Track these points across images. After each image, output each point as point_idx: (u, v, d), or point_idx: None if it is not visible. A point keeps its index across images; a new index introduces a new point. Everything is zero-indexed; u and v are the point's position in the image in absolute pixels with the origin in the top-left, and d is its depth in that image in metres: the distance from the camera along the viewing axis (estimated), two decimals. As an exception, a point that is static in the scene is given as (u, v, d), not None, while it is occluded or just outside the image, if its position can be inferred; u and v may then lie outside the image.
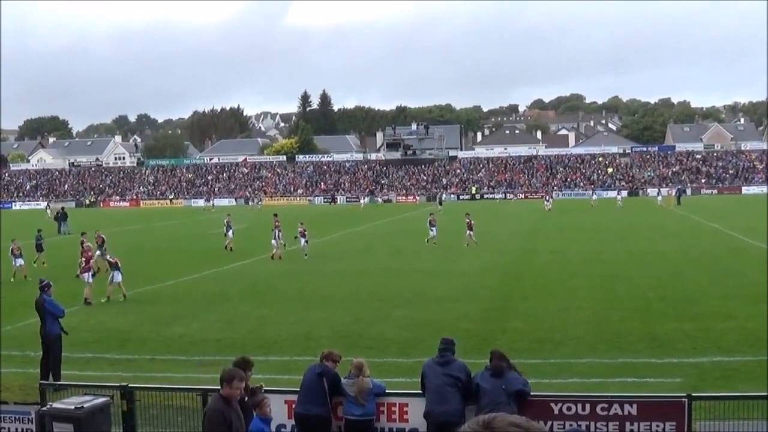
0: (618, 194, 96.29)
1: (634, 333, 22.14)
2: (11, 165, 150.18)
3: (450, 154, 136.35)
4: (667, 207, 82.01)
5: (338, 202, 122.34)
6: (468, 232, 46.81)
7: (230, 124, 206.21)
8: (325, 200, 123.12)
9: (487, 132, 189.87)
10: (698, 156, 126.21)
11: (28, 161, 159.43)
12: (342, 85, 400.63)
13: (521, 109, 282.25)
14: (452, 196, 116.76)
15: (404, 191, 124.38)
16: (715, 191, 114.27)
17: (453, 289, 30.86)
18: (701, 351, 19.85)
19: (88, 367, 19.71)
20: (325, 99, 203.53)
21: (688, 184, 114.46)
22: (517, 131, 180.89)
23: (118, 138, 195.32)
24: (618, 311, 25.59)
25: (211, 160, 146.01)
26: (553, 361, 19.24)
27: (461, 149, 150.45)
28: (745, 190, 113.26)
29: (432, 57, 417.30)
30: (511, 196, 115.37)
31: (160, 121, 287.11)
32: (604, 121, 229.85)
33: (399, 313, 26.18)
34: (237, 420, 9.77)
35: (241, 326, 24.71)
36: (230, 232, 47.56)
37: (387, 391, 12.69)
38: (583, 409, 11.82)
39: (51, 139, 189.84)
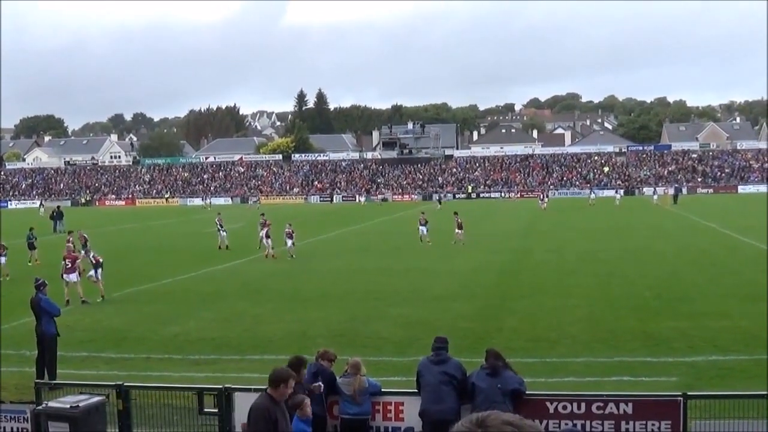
0: (616, 193, 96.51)
1: (630, 332, 22.14)
2: (7, 164, 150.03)
3: (446, 153, 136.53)
4: (663, 206, 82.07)
5: (335, 201, 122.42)
6: (456, 230, 46.88)
7: (226, 123, 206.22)
8: (322, 199, 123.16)
9: (483, 131, 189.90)
10: (694, 155, 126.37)
11: (24, 160, 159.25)
12: (339, 84, 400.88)
13: (517, 108, 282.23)
14: (449, 195, 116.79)
15: (400, 190, 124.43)
16: (711, 190, 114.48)
17: (449, 288, 30.85)
18: (697, 350, 19.86)
19: (83, 365, 19.70)
20: (321, 98, 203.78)
21: (684, 183, 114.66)
22: (513, 130, 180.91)
23: (113, 137, 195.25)
24: (614, 310, 25.60)
25: (207, 159, 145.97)
26: (548, 360, 19.24)
27: (457, 148, 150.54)
28: (741, 189, 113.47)
29: (428, 56, 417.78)
30: (514, 195, 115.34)
31: (156, 119, 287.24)
32: (600, 120, 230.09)
33: (395, 311, 26.16)
34: (283, 419, 9.79)
35: (237, 325, 24.68)
36: (223, 231, 47.63)
37: (382, 390, 12.69)
38: (579, 408, 11.82)
39: (47, 138, 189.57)
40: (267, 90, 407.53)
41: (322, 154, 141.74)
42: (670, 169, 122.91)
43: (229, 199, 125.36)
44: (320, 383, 12.06)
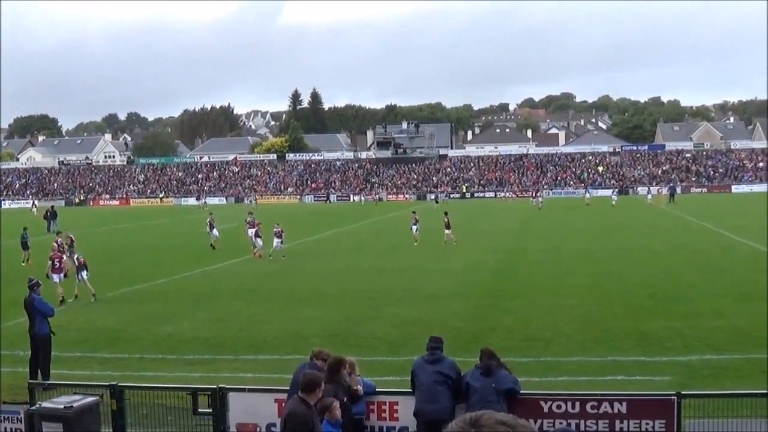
0: (613, 193, 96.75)
1: (624, 331, 22.16)
2: (0, 163, 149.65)
3: (440, 153, 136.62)
4: (658, 206, 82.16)
5: (332, 200, 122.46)
6: (446, 230, 46.99)
7: (220, 123, 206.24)
8: (317, 199, 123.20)
9: (477, 130, 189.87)
10: (688, 155, 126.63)
11: (18, 160, 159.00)
12: (334, 83, 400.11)
13: (512, 107, 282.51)
14: (443, 194, 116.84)
15: (395, 190, 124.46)
16: (704, 190, 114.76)
17: (444, 287, 30.86)
18: (691, 349, 19.88)
19: (77, 366, 19.65)
20: (315, 97, 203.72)
21: (678, 183, 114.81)
22: (507, 130, 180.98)
23: (108, 136, 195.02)
24: (608, 309, 25.63)
25: (201, 158, 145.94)
26: (543, 359, 19.25)
27: (452, 148, 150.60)
28: (734, 188, 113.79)
29: (423, 56, 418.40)
30: (510, 194, 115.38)
31: (150, 119, 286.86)
32: (594, 120, 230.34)
33: (389, 311, 26.16)
34: (318, 424, 9.85)
35: (232, 325, 24.65)
36: (214, 231, 47.64)
37: (377, 389, 12.67)
38: (573, 407, 11.82)
39: (40, 138, 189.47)
40: (262, 89, 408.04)
41: (316, 154, 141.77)
42: (664, 168, 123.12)
43: (224, 198, 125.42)
44: (360, 387, 12.01)
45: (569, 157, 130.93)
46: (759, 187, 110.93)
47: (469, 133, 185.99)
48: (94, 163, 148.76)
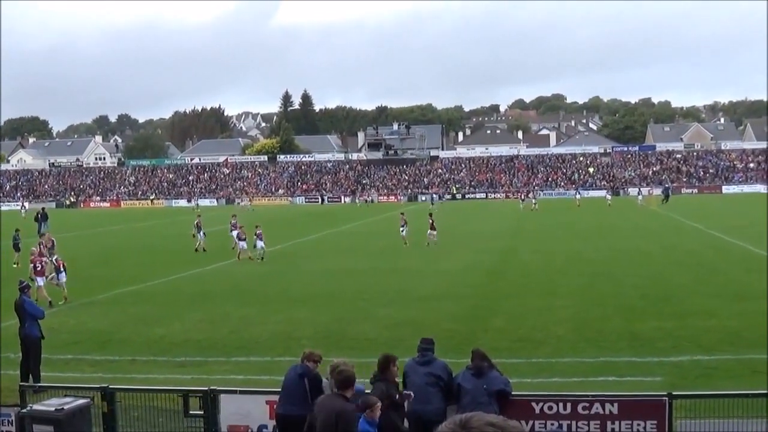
0: (607, 194, 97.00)
1: (616, 332, 22.19)
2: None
3: (431, 154, 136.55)
4: (649, 206, 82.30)
5: (324, 201, 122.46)
6: (429, 231, 47.04)
7: (211, 124, 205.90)
8: (308, 200, 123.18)
9: (468, 132, 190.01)
10: (678, 155, 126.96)
11: (8, 162, 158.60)
12: (326, 85, 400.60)
13: (502, 109, 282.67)
14: (435, 196, 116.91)
15: (386, 191, 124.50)
16: (695, 190, 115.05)
17: (436, 289, 30.86)
18: (682, 349, 19.92)
19: (68, 368, 19.60)
20: (306, 99, 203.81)
21: (669, 184, 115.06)
22: (498, 131, 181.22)
23: (98, 138, 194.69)
24: (600, 310, 25.67)
25: (192, 160, 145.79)
26: (534, 361, 19.27)
27: (442, 149, 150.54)
28: (725, 189, 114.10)
29: (414, 57, 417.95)
30: (500, 195, 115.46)
31: (140, 121, 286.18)
32: (584, 121, 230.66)
33: (381, 312, 26.15)
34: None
35: (223, 326, 24.62)
36: (201, 233, 47.54)
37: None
38: (565, 408, 11.84)
39: (31, 140, 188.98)
40: (253, 91, 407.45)
41: (307, 155, 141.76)
42: (654, 169, 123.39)
43: (215, 200, 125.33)
44: (411, 392, 11.95)
45: (560, 158, 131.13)
46: (749, 188, 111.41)
47: (460, 134, 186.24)
48: (84, 165, 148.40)
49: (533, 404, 11.99)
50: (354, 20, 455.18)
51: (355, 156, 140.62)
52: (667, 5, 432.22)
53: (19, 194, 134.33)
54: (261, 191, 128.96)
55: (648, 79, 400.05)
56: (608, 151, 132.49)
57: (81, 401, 12.35)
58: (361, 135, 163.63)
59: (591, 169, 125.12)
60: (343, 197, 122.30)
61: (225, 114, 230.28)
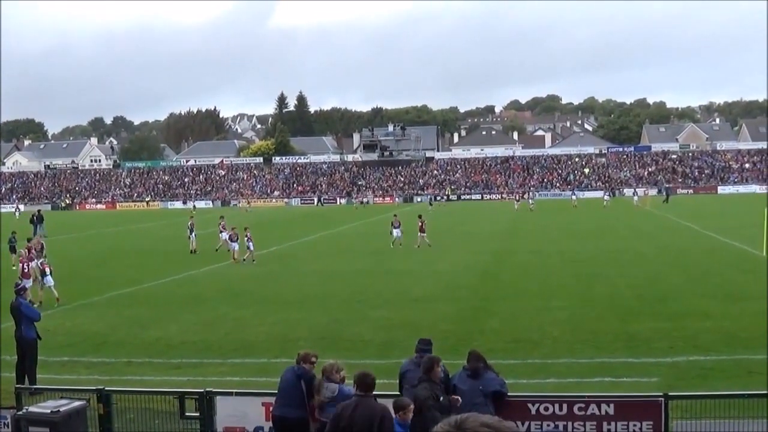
0: (604, 194, 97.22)
1: (612, 332, 22.19)
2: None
3: (427, 155, 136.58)
4: (644, 207, 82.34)
5: (320, 203, 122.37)
6: (420, 234, 46.95)
7: (206, 126, 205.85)
8: (303, 202, 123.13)
9: (463, 133, 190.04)
10: (674, 156, 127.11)
11: (4, 164, 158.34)
12: (322, 86, 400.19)
13: (498, 110, 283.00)
14: (437, 197, 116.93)
15: (381, 192, 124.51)
16: (690, 191, 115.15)
17: (431, 290, 30.85)
18: (678, 350, 19.93)
19: (64, 370, 19.58)
20: (301, 100, 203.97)
21: (668, 184, 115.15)
22: (493, 132, 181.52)
23: (93, 140, 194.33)
24: (595, 311, 25.67)
25: (187, 162, 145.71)
26: (530, 362, 19.26)
27: (438, 150, 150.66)
28: (720, 189, 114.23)
29: (410, 58, 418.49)
30: (497, 197, 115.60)
31: (136, 123, 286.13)
32: (580, 122, 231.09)
33: (377, 314, 26.14)
34: None
35: (219, 328, 24.59)
36: (193, 235, 47.56)
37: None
38: (561, 409, 11.84)
39: (26, 142, 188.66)
40: (248, 93, 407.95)
41: (302, 157, 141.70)
42: (650, 170, 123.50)
43: (210, 202, 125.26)
44: (459, 397, 11.88)
45: (555, 158, 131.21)
46: (745, 189, 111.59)
47: (456, 135, 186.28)
48: (80, 167, 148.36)
49: (529, 405, 11.99)
50: (349, 22, 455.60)
51: (350, 157, 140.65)
52: (661, 6, 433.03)
53: (14, 197, 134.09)
54: (256, 193, 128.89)
55: (643, 79, 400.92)
56: (603, 151, 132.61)
57: (77, 403, 12.33)
58: (356, 136, 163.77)
59: (586, 170, 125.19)
60: (338, 199, 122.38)
61: (220, 116, 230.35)
